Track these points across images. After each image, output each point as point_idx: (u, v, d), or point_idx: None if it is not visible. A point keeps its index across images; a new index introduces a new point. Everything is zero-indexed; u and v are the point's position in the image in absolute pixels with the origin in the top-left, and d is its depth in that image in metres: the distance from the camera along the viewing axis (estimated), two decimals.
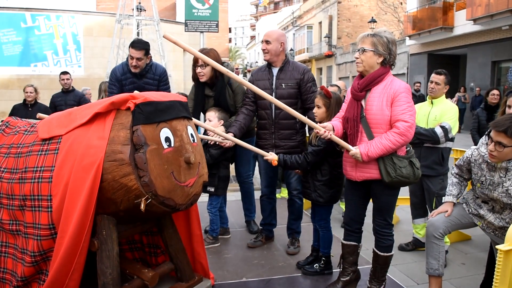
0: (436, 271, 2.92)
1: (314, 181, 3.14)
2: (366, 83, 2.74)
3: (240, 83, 2.95)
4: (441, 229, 2.91)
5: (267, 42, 3.54)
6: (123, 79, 4.05)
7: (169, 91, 4.21)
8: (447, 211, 2.95)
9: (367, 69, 2.74)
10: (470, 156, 2.92)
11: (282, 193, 5.65)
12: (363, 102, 2.77)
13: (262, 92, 2.87)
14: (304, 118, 2.92)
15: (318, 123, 3.17)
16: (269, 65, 3.61)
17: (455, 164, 3.12)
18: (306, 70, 3.58)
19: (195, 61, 3.69)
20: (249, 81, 3.60)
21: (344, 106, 2.93)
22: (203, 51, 3.69)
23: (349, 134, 2.81)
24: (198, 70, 3.67)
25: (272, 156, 3.03)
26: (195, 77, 3.76)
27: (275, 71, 3.57)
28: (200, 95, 3.78)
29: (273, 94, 3.48)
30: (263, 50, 3.57)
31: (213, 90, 3.76)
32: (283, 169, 3.45)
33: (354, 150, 2.72)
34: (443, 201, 3.08)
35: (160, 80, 4.14)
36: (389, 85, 2.70)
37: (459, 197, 3.08)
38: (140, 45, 3.94)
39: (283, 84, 3.50)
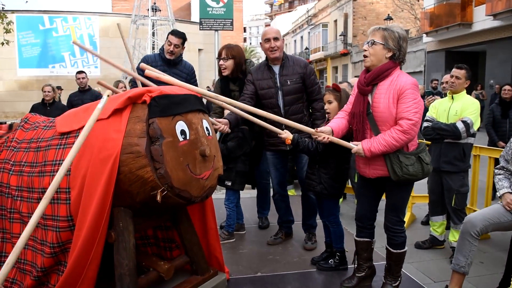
0: (462, 269, 2.86)
1: (321, 173, 3.10)
2: (372, 77, 2.68)
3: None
4: (478, 227, 2.82)
5: (275, 39, 3.48)
6: (153, 66, 4.09)
7: None
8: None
9: (374, 63, 2.68)
10: None
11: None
12: (369, 98, 2.71)
13: (269, 115, 2.90)
14: (301, 126, 2.90)
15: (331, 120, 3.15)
16: (267, 63, 3.56)
17: (499, 156, 3.08)
18: (306, 63, 3.60)
19: (219, 54, 3.73)
20: (250, 80, 3.57)
21: (352, 98, 2.88)
22: (229, 46, 3.75)
23: (355, 129, 2.78)
24: (221, 62, 3.71)
25: (286, 135, 2.96)
26: (220, 72, 3.81)
27: (276, 68, 3.53)
28: (226, 90, 3.80)
29: (280, 91, 3.48)
30: (273, 47, 3.47)
31: (237, 85, 3.78)
32: (294, 150, 3.31)
33: (356, 147, 2.70)
34: (497, 195, 2.98)
35: (191, 76, 4.29)
36: (395, 81, 2.63)
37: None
38: (180, 34, 4.18)
39: (288, 81, 3.48)
